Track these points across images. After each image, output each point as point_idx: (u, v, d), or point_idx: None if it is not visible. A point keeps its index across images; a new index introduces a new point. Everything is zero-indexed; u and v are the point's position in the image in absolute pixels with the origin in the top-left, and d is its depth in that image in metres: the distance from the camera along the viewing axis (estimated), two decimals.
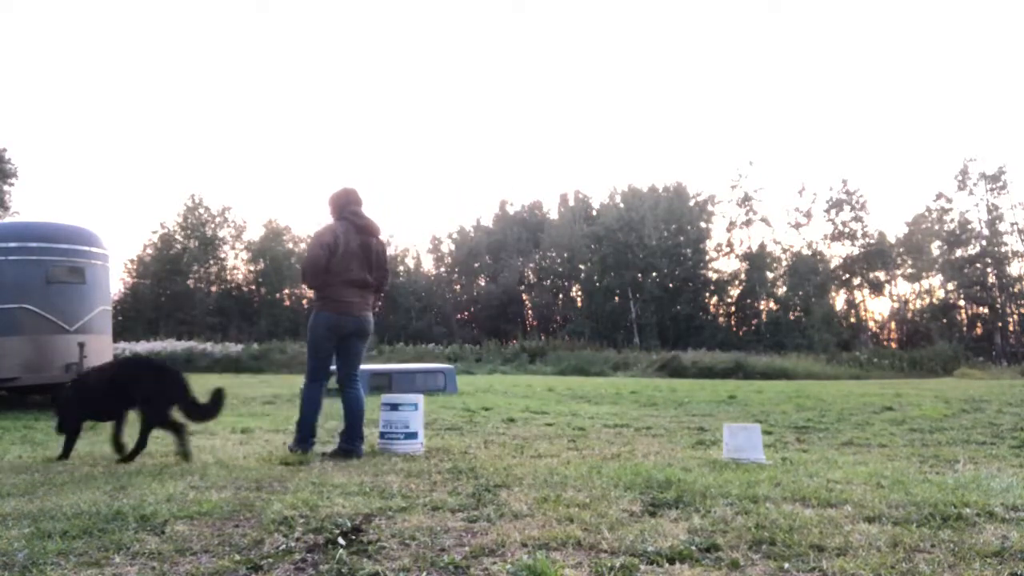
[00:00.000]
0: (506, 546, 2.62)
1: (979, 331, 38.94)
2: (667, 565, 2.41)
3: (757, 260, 40.54)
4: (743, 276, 41.42)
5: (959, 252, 38.80)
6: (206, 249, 43.34)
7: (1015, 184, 41.11)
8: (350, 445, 5.07)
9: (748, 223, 41.63)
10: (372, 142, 65.37)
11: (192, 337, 28.49)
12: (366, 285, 5.27)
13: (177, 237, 43.63)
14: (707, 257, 42.13)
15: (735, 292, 42.01)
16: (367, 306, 5.33)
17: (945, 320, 38.76)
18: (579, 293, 44.91)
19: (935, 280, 40.51)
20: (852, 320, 41.09)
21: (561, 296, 45.65)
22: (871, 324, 42.23)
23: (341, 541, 2.66)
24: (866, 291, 41.39)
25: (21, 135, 62.04)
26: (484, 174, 67.32)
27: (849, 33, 56.21)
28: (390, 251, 46.66)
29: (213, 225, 44.25)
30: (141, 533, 2.81)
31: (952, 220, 39.40)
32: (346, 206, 5.31)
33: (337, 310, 5.13)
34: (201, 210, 44.15)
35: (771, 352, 29.68)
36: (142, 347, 23.62)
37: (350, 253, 5.15)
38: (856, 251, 40.83)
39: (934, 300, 40.58)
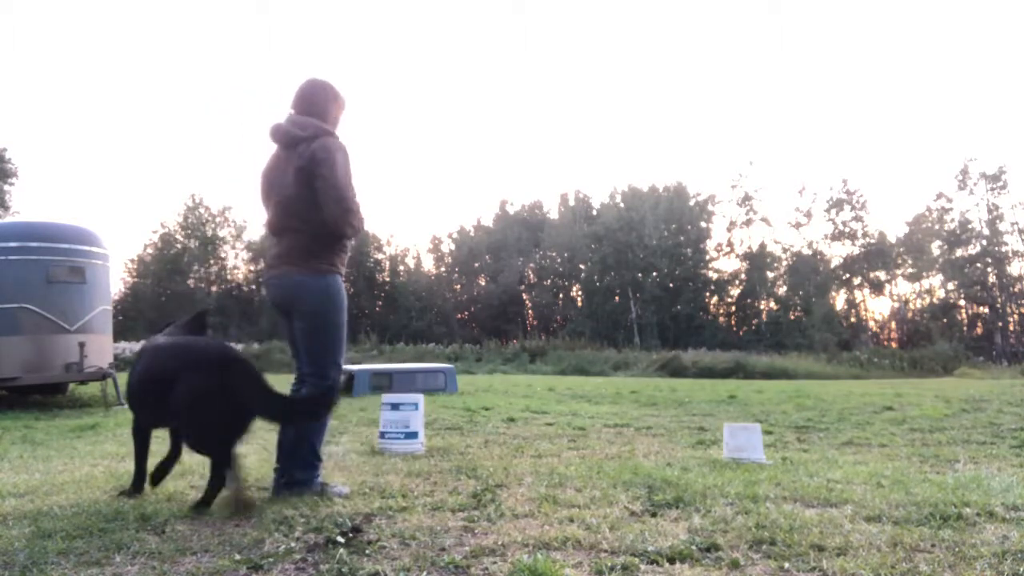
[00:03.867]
0: (506, 546, 2.61)
1: (979, 331, 38.98)
2: (667, 565, 2.41)
3: (757, 260, 40.57)
4: (743, 276, 41.45)
5: (959, 252, 38.84)
6: (206, 249, 43.38)
7: (1015, 184, 41.21)
8: (298, 475, 3.54)
9: (748, 223, 41.70)
10: (372, 142, 65.35)
11: None
12: None
13: (177, 237, 43.69)
14: (707, 257, 42.17)
15: (735, 292, 42.05)
16: None
17: (945, 320, 38.77)
18: (579, 293, 44.92)
19: (935, 280, 40.59)
20: (852, 320, 41.12)
21: (561, 296, 45.65)
22: (871, 324, 42.29)
23: (341, 541, 2.66)
24: (866, 291, 41.43)
25: (21, 135, 62.16)
26: (484, 174, 67.41)
27: (849, 33, 56.25)
28: (390, 251, 47.32)
29: (213, 225, 44.34)
30: (142, 533, 2.81)
31: (952, 220, 39.46)
32: (336, 116, 3.72)
33: (343, 274, 3.64)
34: (201, 210, 44.21)
35: (771, 352, 29.70)
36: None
37: None
38: (856, 251, 40.88)
39: (934, 300, 40.62)
